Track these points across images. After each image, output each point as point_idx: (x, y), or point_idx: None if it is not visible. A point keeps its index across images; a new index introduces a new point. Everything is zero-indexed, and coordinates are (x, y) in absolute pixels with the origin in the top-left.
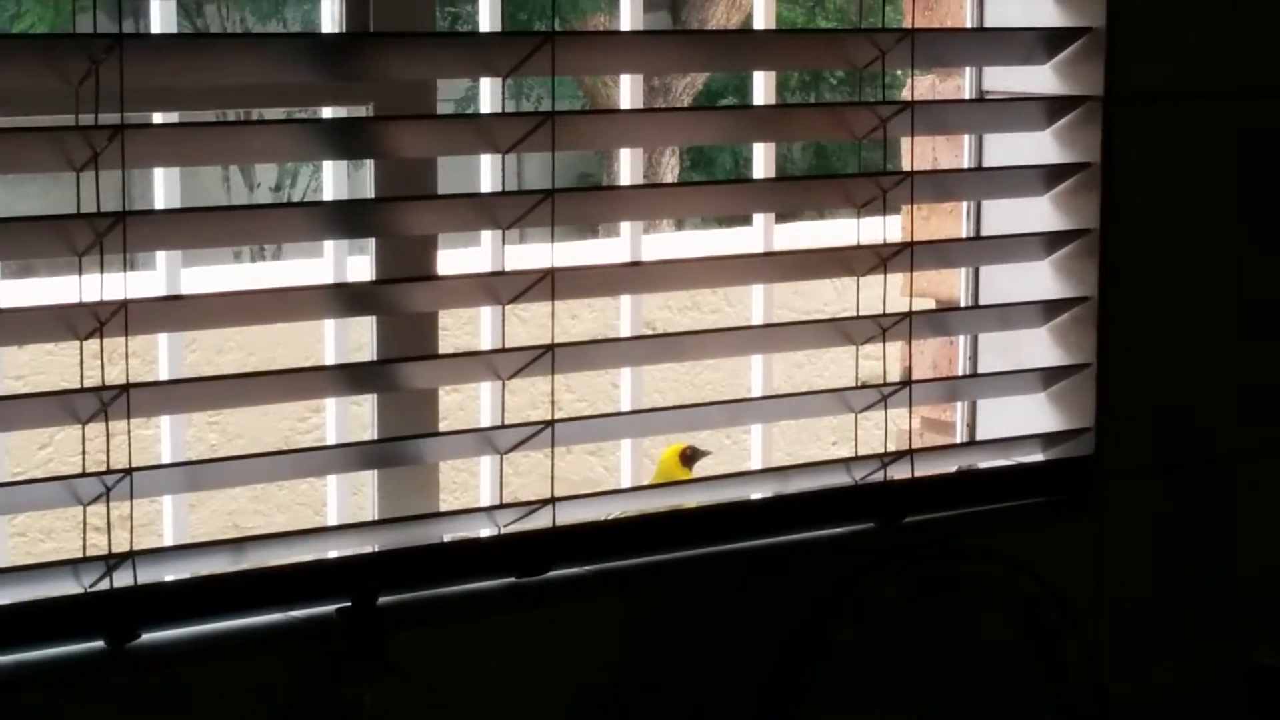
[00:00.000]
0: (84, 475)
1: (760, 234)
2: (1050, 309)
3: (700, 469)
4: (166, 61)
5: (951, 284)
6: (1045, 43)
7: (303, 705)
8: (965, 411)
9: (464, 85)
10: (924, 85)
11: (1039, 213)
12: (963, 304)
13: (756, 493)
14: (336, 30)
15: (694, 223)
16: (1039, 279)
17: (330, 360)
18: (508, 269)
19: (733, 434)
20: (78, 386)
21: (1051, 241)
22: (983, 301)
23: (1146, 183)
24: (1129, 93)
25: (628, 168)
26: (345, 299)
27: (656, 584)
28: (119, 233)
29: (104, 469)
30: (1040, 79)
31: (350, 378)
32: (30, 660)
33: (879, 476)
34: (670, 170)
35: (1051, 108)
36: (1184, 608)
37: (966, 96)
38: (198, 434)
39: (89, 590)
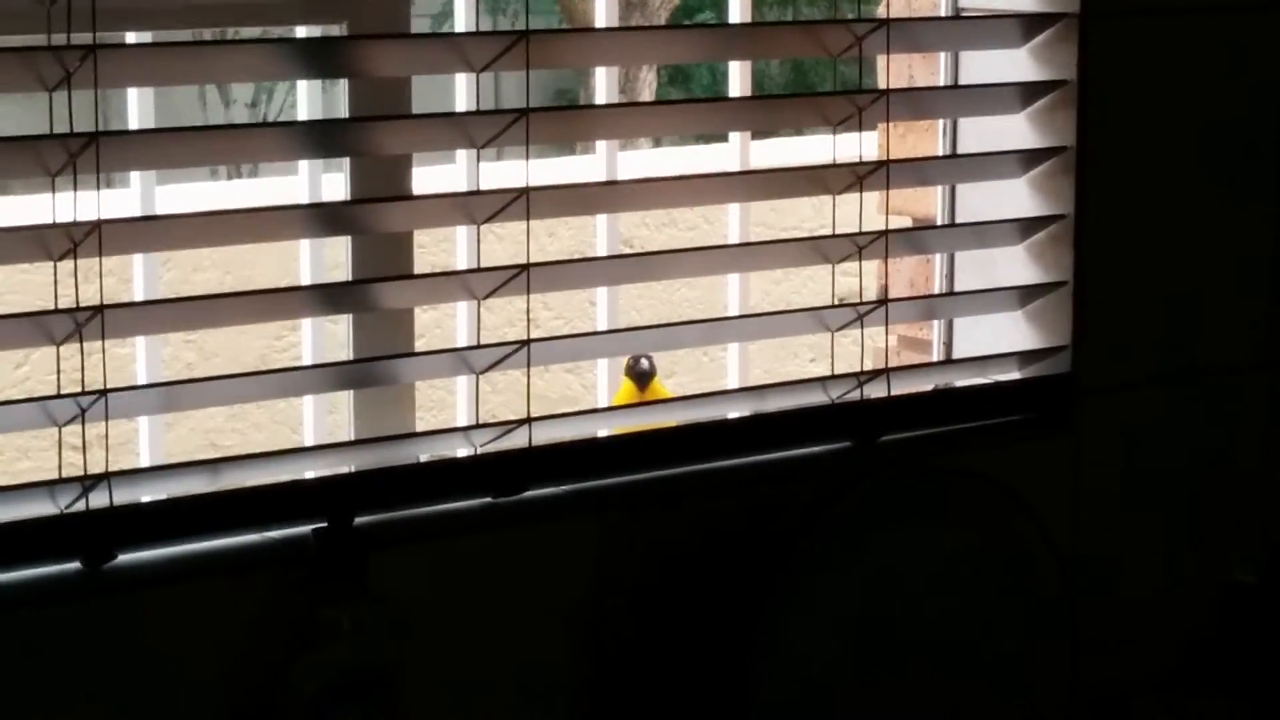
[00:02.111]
0: (59, 396)
1: (736, 151)
2: (1027, 227)
3: (674, 386)
4: None
5: (928, 202)
6: None
7: (280, 626)
8: (942, 330)
9: (440, 1)
10: (900, 2)
11: (1016, 130)
12: (939, 222)
13: (733, 411)
14: None
15: (670, 140)
16: (1016, 197)
17: (306, 280)
18: (483, 188)
19: (710, 351)
20: (52, 308)
21: (1028, 159)
22: (959, 220)
23: (1124, 99)
24: (1106, 8)
25: (602, 84)
26: (321, 219)
27: (632, 503)
28: (92, 153)
29: (79, 390)
30: None
31: (326, 298)
32: (6, 581)
33: (855, 395)
34: (648, 86)
35: (1028, 24)
36: (1160, 525)
37: (943, 14)
38: (174, 352)
39: (65, 511)
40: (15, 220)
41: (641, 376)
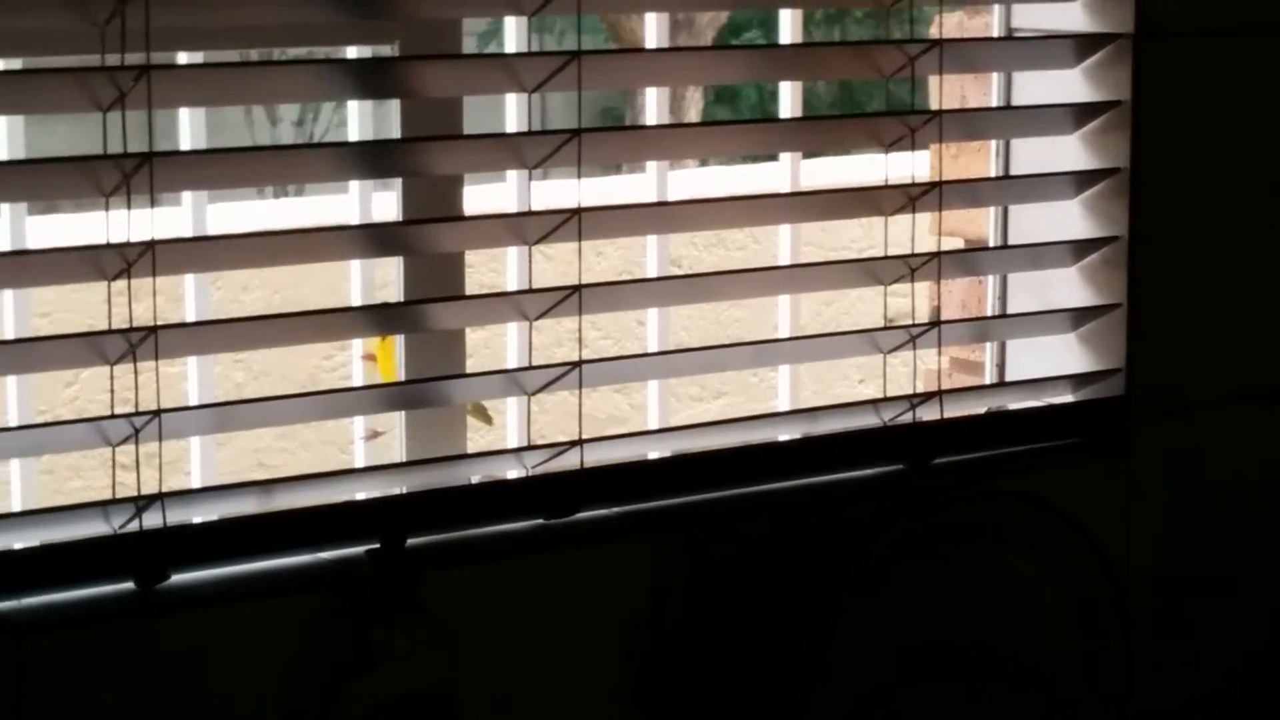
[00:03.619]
0: (113, 417)
1: (786, 170)
2: (1080, 248)
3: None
4: (193, 1)
5: (980, 223)
6: None
7: (333, 647)
8: (994, 352)
9: (486, 20)
10: (952, 22)
11: (1069, 151)
12: (992, 243)
13: (785, 433)
14: None
15: (720, 158)
16: (1069, 218)
17: (356, 298)
18: (534, 208)
19: (759, 371)
20: (105, 328)
21: (1081, 180)
22: (1012, 241)
23: (1177, 121)
24: (1160, 28)
25: (653, 104)
26: (372, 240)
27: (685, 526)
28: (145, 173)
29: (132, 410)
30: (1070, 16)
31: (377, 319)
32: (61, 601)
33: (908, 418)
34: (694, 104)
35: (1082, 45)
36: (1214, 548)
37: (995, 34)
38: (224, 371)
39: (119, 531)
40: (64, 240)
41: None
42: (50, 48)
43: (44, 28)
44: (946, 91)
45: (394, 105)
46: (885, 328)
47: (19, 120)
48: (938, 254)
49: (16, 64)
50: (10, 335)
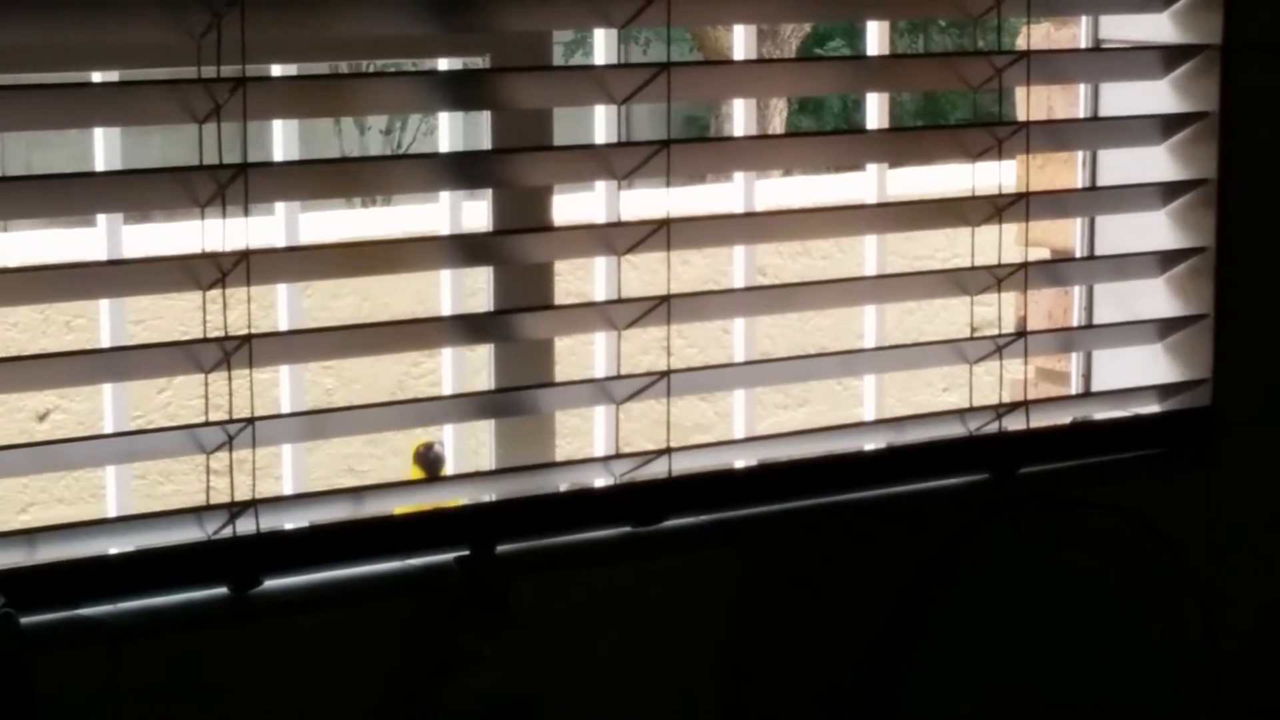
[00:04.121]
0: (207, 424)
1: (873, 180)
2: (1167, 259)
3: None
4: (287, 14)
5: (1067, 234)
6: None
7: (422, 653)
8: (1080, 362)
9: (571, 30)
10: (1040, 33)
11: (1156, 162)
12: (1078, 254)
13: (870, 443)
14: None
15: (804, 168)
16: (1155, 229)
17: (446, 307)
18: (622, 218)
19: (843, 379)
20: (200, 337)
21: (1168, 191)
22: (1098, 251)
23: (1265, 131)
24: (1248, 41)
25: (740, 114)
26: (463, 250)
27: (771, 534)
28: (240, 183)
29: (226, 418)
30: (1158, 27)
31: (468, 328)
32: (156, 606)
33: (994, 427)
34: (778, 113)
35: (1169, 56)
36: None
37: (1083, 45)
38: (313, 378)
39: (213, 538)
40: (157, 249)
41: (432, 464)
42: (148, 60)
43: (142, 41)
44: (1033, 102)
45: (483, 116)
46: (972, 338)
47: (115, 132)
48: (1024, 265)
49: (114, 76)
50: (107, 343)
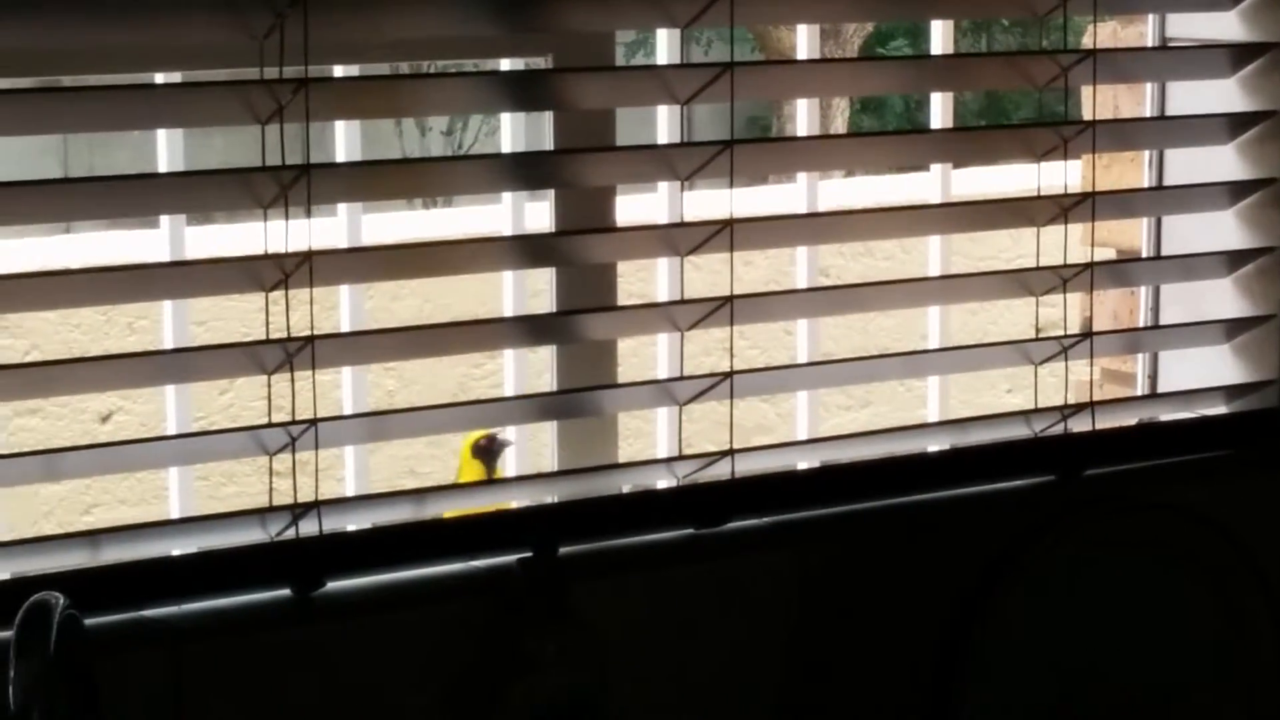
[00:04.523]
0: (270, 426)
1: (937, 181)
2: (1235, 259)
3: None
4: (350, 15)
5: (1133, 234)
6: None
7: (484, 655)
8: (1147, 363)
9: (633, 30)
10: (1105, 32)
11: (1223, 161)
12: (1145, 254)
13: (934, 444)
14: None
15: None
16: (1223, 229)
17: (508, 309)
18: (685, 218)
19: (907, 380)
20: (262, 338)
21: (1236, 191)
22: (1165, 252)
23: None
24: None
25: (803, 114)
26: (524, 251)
27: (834, 537)
28: (303, 184)
29: (289, 419)
30: (1225, 25)
31: (530, 329)
32: (219, 607)
33: (1059, 429)
34: (840, 112)
35: (1236, 54)
36: None
37: (1149, 44)
38: (375, 379)
39: (276, 539)
40: (218, 250)
41: (494, 455)
42: (210, 62)
43: (204, 42)
44: (1099, 101)
45: (545, 116)
46: (1037, 339)
47: (178, 133)
48: (1090, 265)
49: (177, 77)
50: (170, 345)
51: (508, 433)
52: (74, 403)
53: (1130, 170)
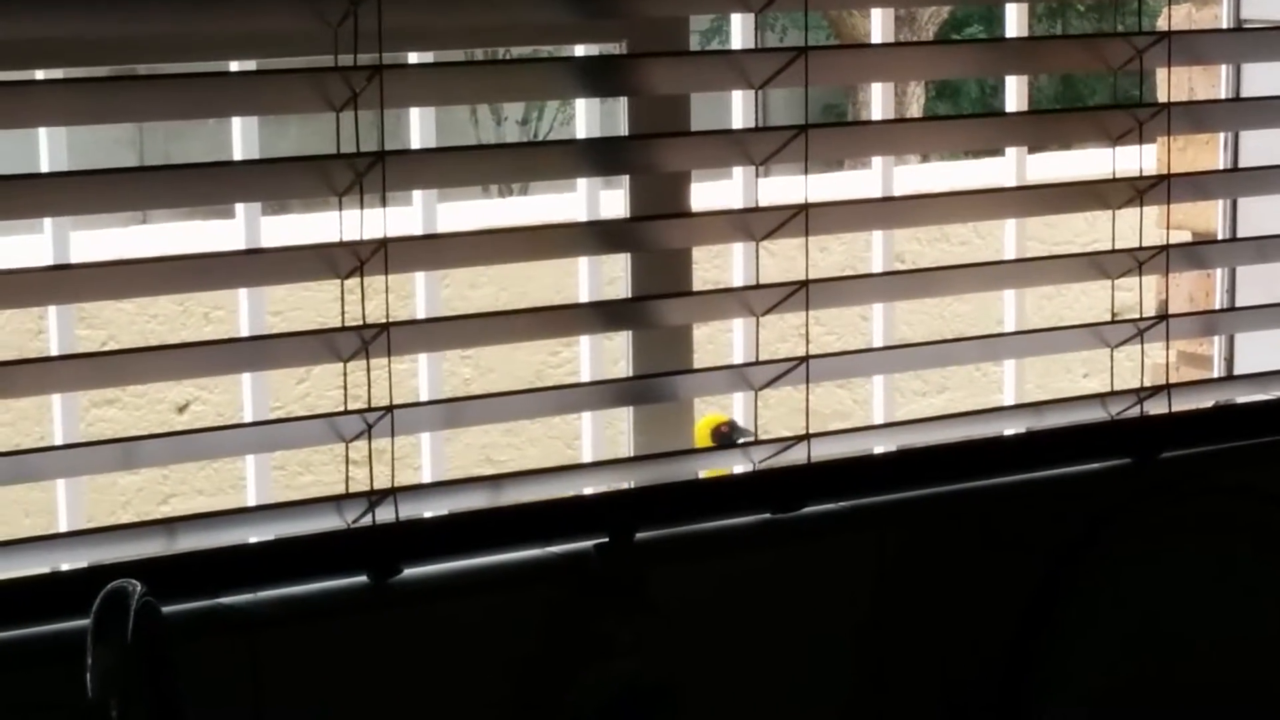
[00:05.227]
0: (346, 413)
1: (1012, 165)
2: None
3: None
4: (424, 1)
5: (1208, 216)
6: None
7: (561, 641)
8: (1223, 345)
9: (710, 16)
10: (1180, 14)
11: None
12: (1220, 236)
13: (1010, 428)
14: None
15: (943, 153)
16: None
17: (584, 296)
18: (760, 204)
19: (982, 365)
20: (338, 325)
21: None
22: (1240, 233)
23: None
24: None
25: (878, 99)
26: (600, 236)
27: (911, 521)
28: (378, 172)
29: (365, 406)
30: None
31: (605, 315)
32: (296, 594)
33: (1135, 412)
34: (915, 99)
35: None
36: None
37: (1224, 25)
38: (451, 368)
39: (352, 526)
40: (294, 239)
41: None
42: (284, 49)
43: (278, 29)
44: (1174, 84)
45: (620, 103)
46: (1112, 321)
47: (253, 122)
48: (1165, 247)
49: (251, 65)
50: (245, 334)
51: (584, 422)
52: (150, 393)
53: (1205, 152)
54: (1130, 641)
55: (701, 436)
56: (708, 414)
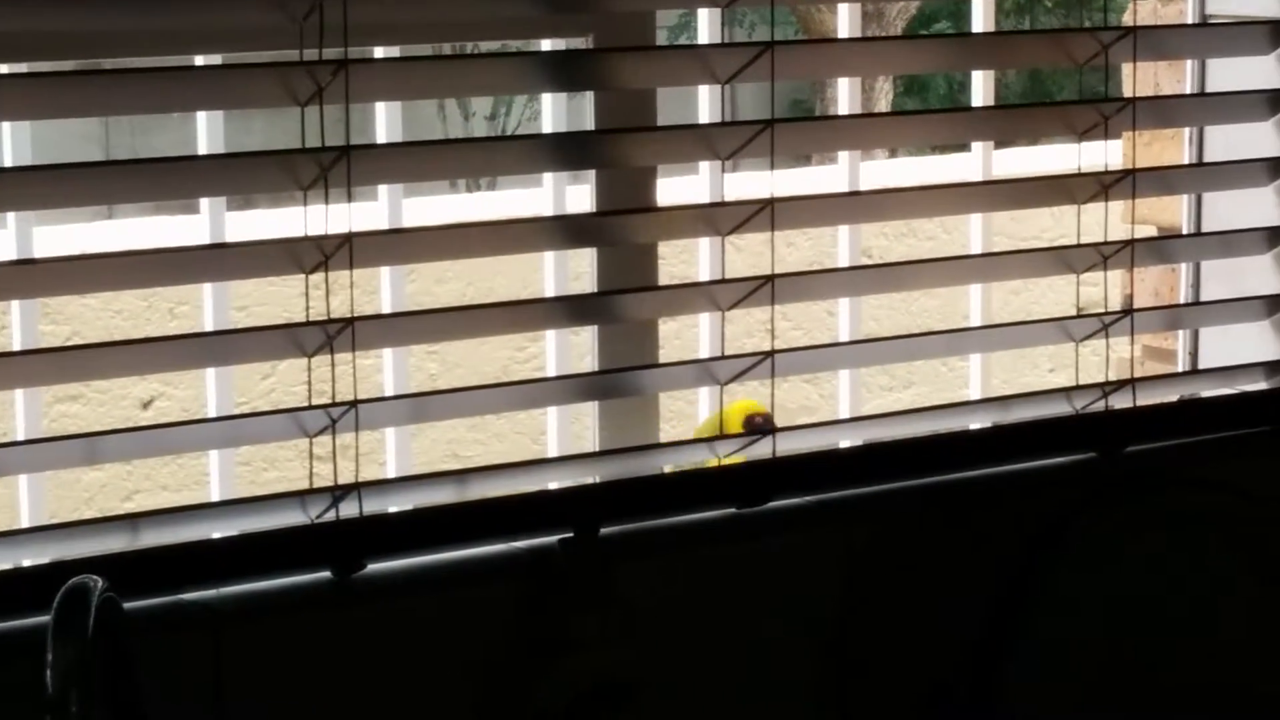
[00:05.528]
0: (310, 408)
1: (979, 160)
2: (1274, 235)
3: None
4: None
5: (1173, 210)
6: None
7: (525, 636)
8: (1187, 340)
9: (678, 12)
10: (1146, 10)
11: (1263, 138)
12: (1185, 231)
13: (976, 422)
14: None
15: (907, 150)
16: (1263, 205)
17: (550, 291)
18: (726, 199)
19: (949, 361)
20: (303, 320)
21: (1276, 167)
22: (1205, 228)
23: None
24: None
25: (844, 94)
26: (566, 231)
27: (877, 515)
28: (343, 166)
29: (329, 401)
30: (1265, 2)
31: (571, 309)
32: (260, 590)
33: (1100, 406)
34: (884, 95)
35: (1276, 31)
36: None
37: (1190, 21)
38: (417, 363)
39: (316, 521)
40: (258, 234)
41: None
42: (250, 43)
43: (243, 24)
44: (1140, 79)
45: (587, 98)
46: (1078, 316)
47: (218, 116)
48: (1130, 242)
49: (217, 60)
50: (211, 328)
51: (549, 417)
52: (115, 389)
53: (1170, 147)
54: (1096, 632)
55: (731, 422)
56: (740, 400)
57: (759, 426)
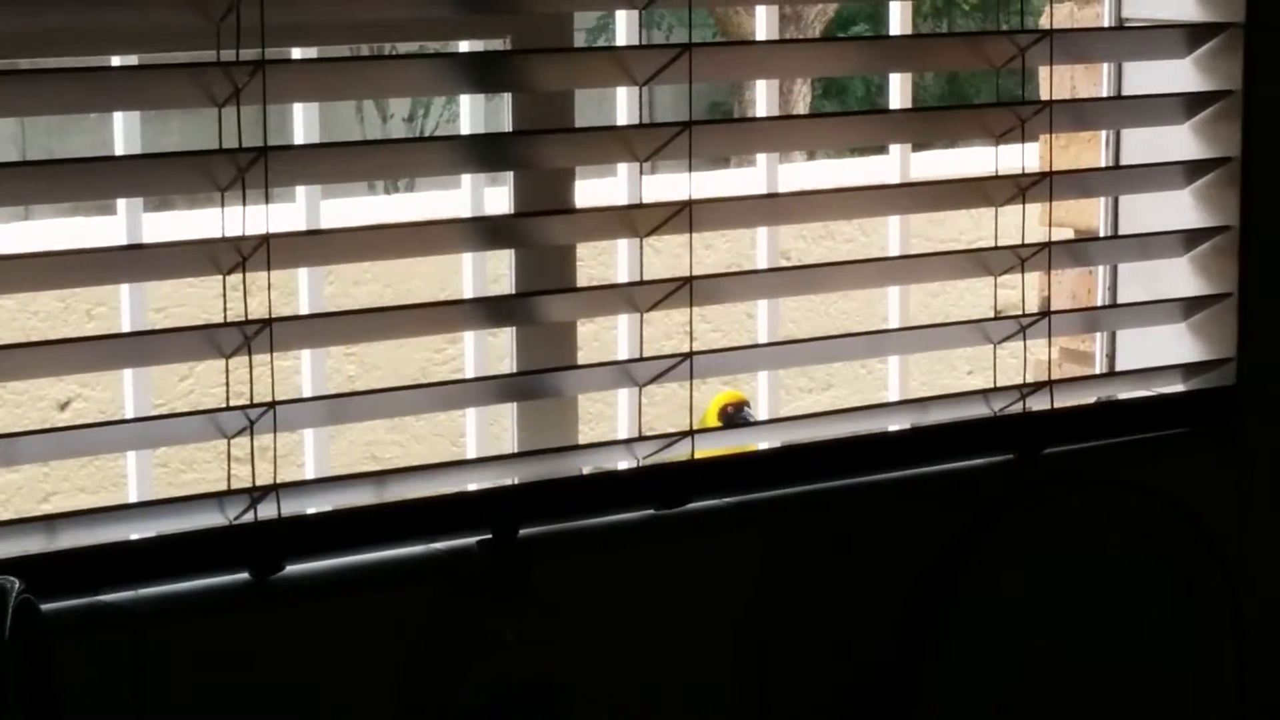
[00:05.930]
0: (228, 409)
1: (896, 163)
2: (1191, 238)
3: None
4: None
5: (1090, 213)
6: None
7: (444, 637)
8: (1105, 342)
9: (596, 14)
10: (1062, 13)
11: (1180, 141)
12: (1102, 233)
13: (894, 424)
14: None
15: (826, 152)
16: (1179, 208)
17: (468, 292)
18: (645, 201)
19: (868, 363)
20: (220, 321)
21: (1192, 170)
22: (1122, 231)
23: None
24: (1271, 19)
25: (762, 97)
26: (484, 233)
27: (795, 516)
28: (260, 167)
29: (248, 403)
30: (1180, 6)
31: (489, 311)
32: (178, 592)
33: (1018, 408)
34: (802, 98)
35: (1192, 35)
36: None
37: (1106, 24)
38: (335, 365)
39: (234, 523)
40: (175, 235)
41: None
42: (167, 44)
43: (161, 24)
44: (1056, 82)
45: (505, 100)
46: (996, 318)
47: (135, 116)
48: (1048, 244)
49: (133, 60)
50: (128, 329)
51: (468, 418)
52: (31, 390)
53: (1087, 150)
54: (1015, 633)
55: (710, 416)
56: (721, 392)
57: (731, 417)
